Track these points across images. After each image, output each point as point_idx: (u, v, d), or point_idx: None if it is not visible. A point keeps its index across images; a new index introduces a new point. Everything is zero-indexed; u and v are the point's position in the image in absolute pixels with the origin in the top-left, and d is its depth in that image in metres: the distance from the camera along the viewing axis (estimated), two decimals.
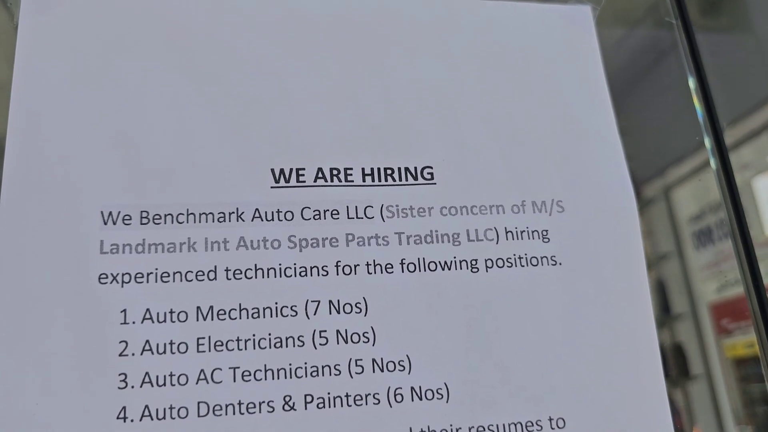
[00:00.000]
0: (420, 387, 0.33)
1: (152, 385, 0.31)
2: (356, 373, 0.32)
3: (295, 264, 0.33)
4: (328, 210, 0.35)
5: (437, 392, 0.33)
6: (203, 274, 0.32)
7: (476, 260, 0.35)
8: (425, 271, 0.34)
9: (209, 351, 0.31)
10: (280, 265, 0.33)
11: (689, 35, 0.50)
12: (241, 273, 0.33)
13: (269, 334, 0.32)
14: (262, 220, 0.34)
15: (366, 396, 0.32)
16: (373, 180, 0.36)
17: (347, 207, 0.35)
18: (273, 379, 0.31)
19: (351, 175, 0.35)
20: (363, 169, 0.36)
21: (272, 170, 0.35)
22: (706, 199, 1.31)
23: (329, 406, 0.31)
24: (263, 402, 0.31)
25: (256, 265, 0.33)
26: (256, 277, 0.33)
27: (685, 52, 0.50)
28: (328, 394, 0.32)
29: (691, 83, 0.50)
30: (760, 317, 0.44)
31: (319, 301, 0.33)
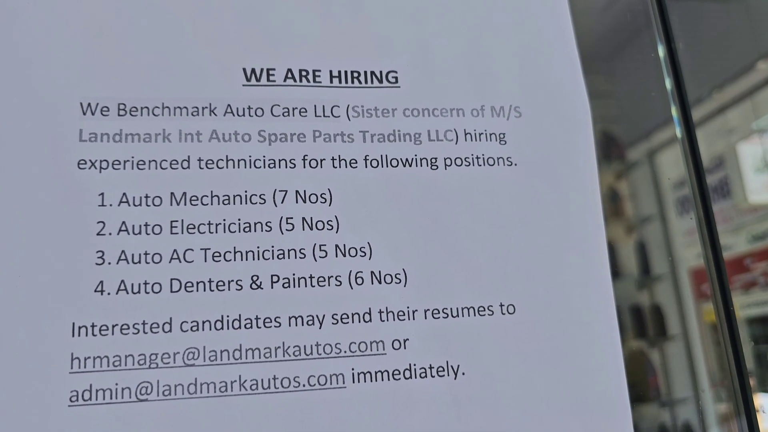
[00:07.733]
0: (380, 272, 0.35)
1: (128, 263, 0.33)
2: (320, 257, 0.34)
3: (264, 156, 0.35)
4: (296, 108, 0.36)
5: (395, 277, 0.35)
6: (177, 163, 0.34)
7: (436, 158, 0.37)
8: (387, 167, 0.36)
9: (182, 233, 0.34)
10: (250, 156, 0.35)
11: (661, 3, 0.51)
12: (213, 163, 0.35)
13: (239, 219, 0.34)
14: (234, 116, 0.36)
15: (329, 278, 0.34)
16: (340, 82, 0.37)
17: (315, 106, 0.37)
18: (241, 260, 0.34)
19: (319, 76, 0.37)
20: (331, 71, 0.37)
21: (244, 69, 0.36)
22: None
23: (294, 286, 0.34)
24: (232, 281, 0.33)
25: (227, 156, 0.35)
26: (227, 167, 0.35)
27: (656, 20, 0.52)
28: (293, 275, 0.34)
29: (661, 52, 0.51)
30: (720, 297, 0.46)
31: (286, 191, 0.35)
